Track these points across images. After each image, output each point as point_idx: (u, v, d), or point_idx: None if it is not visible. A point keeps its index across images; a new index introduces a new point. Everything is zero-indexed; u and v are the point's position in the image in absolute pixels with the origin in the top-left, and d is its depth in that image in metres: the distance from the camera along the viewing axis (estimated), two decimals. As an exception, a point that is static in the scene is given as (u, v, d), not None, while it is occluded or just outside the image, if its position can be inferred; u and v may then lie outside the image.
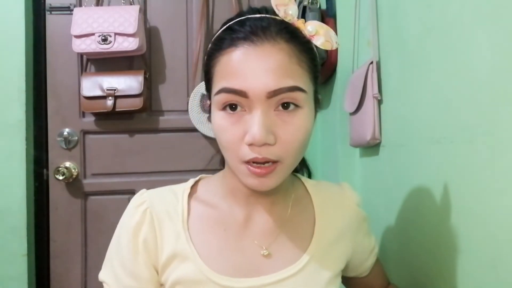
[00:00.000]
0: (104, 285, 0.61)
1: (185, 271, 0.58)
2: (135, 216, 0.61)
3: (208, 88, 0.58)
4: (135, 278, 0.59)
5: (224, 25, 0.57)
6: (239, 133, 0.52)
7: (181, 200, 0.63)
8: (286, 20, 0.54)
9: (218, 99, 0.53)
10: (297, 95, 0.52)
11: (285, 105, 0.52)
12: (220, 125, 0.54)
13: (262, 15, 0.55)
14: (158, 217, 0.61)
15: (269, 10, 0.56)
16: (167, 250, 0.59)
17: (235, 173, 0.57)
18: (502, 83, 0.54)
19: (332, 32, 0.56)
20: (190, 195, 0.64)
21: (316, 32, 0.55)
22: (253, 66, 0.51)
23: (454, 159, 0.65)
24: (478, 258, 0.59)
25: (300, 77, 0.53)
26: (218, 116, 0.54)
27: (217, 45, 0.55)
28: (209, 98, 0.60)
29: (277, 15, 0.55)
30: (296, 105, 0.53)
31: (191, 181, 0.66)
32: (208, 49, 0.58)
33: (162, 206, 0.62)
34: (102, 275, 0.62)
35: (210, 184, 0.66)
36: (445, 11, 0.67)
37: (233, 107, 0.53)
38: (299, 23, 0.55)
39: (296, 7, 0.55)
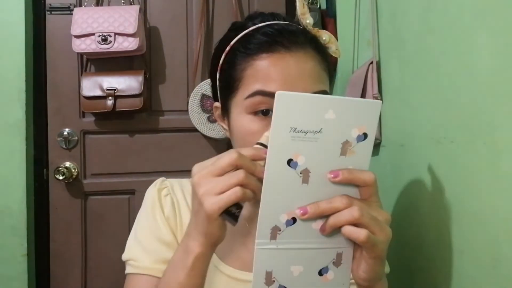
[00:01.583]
0: (131, 262, 0.61)
1: None
2: (160, 198, 0.65)
3: (230, 90, 0.58)
4: (174, 249, 0.61)
5: (239, 28, 0.59)
6: None
7: None
8: (307, 29, 0.59)
9: (251, 102, 0.55)
10: None
11: None
12: (250, 129, 0.55)
13: (287, 22, 0.59)
14: (178, 202, 0.65)
15: (279, 16, 0.61)
16: None
17: None
18: (502, 83, 0.53)
19: (335, 40, 0.62)
20: None
21: (329, 41, 0.61)
22: (290, 71, 0.54)
23: (454, 159, 0.65)
24: (478, 258, 0.59)
25: (326, 81, 0.58)
26: (247, 119, 0.56)
27: (248, 49, 0.56)
28: (224, 100, 0.60)
29: (292, 22, 0.60)
30: None
31: None
32: (229, 50, 0.59)
33: (181, 194, 0.66)
34: (128, 254, 0.62)
35: None
36: (445, 11, 0.67)
37: (264, 111, 0.54)
38: (316, 32, 0.60)
39: (311, 17, 0.61)
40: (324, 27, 1.27)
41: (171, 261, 0.52)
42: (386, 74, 0.94)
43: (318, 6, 1.29)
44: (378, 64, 0.97)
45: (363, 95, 0.98)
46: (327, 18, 1.28)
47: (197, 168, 0.47)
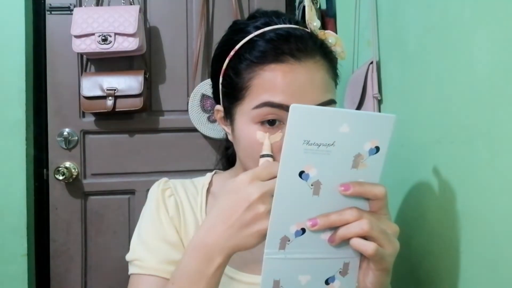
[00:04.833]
0: (136, 262, 0.61)
1: None
2: (164, 198, 0.65)
3: (235, 98, 0.57)
4: (179, 250, 0.62)
5: (241, 31, 0.58)
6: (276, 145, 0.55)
7: (201, 193, 0.67)
8: (315, 33, 0.58)
9: (258, 112, 0.54)
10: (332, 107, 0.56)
11: None
12: (257, 138, 0.55)
13: (294, 26, 0.57)
14: (181, 203, 0.65)
15: (283, 16, 0.59)
16: (190, 236, 0.62)
17: None
18: (502, 83, 0.53)
19: (342, 41, 0.61)
20: (208, 189, 0.68)
21: (335, 43, 0.60)
22: (300, 83, 0.53)
23: (454, 159, 0.65)
24: (478, 258, 0.59)
25: (334, 90, 0.58)
26: (254, 129, 0.55)
27: (254, 57, 0.55)
28: (228, 105, 0.60)
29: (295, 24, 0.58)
30: None
31: (209, 176, 0.70)
32: (233, 55, 0.57)
33: (184, 195, 0.66)
34: (133, 254, 0.62)
35: (224, 181, 0.69)
36: (445, 11, 0.67)
37: (270, 121, 0.54)
38: (322, 35, 0.59)
39: (317, 19, 0.59)
40: (324, 27, 1.27)
41: (187, 270, 0.50)
42: (386, 74, 0.94)
43: (318, 6, 1.29)
44: (378, 64, 0.97)
45: (363, 95, 0.98)
46: (327, 18, 1.27)
47: (253, 178, 0.47)
